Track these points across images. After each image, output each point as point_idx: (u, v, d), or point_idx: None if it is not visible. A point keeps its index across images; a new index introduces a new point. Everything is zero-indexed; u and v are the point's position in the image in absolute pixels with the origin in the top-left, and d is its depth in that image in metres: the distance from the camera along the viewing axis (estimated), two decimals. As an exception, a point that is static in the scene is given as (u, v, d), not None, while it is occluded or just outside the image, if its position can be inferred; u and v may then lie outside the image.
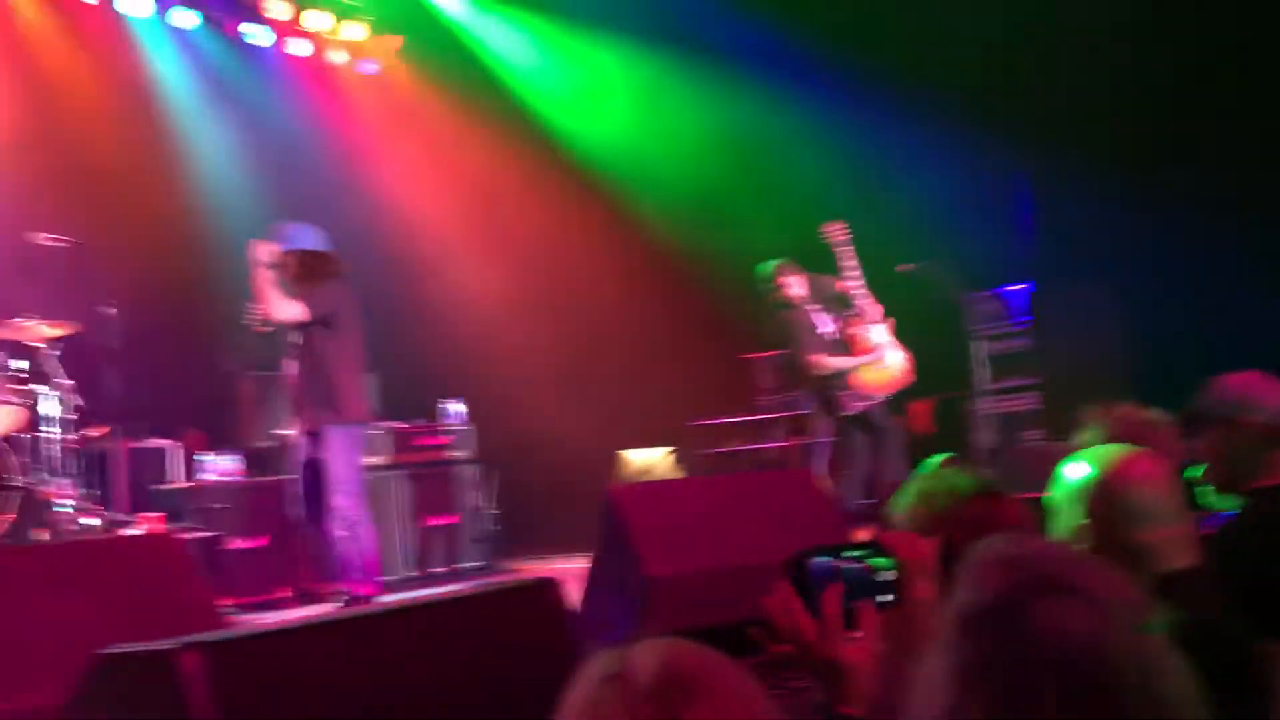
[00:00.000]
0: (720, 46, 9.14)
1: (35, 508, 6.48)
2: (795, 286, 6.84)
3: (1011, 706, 1.06)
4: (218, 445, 7.42)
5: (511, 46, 10.09)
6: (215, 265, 6.39)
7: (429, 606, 2.38)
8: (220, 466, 7.15)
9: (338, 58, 9.84)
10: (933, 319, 7.82)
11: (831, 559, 1.66)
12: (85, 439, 6.99)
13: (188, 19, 9.04)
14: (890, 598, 1.67)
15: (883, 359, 6.81)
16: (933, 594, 1.68)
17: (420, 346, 9.44)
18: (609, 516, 4.43)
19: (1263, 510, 2.68)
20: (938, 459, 4.88)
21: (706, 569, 4.26)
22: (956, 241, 8.14)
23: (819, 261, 7.10)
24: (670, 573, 4.19)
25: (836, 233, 6.96)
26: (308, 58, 9.65)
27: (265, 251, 5.74)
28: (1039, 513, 2.27)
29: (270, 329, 6.00)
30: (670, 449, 9.90)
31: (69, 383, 6.89)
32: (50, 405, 6.81)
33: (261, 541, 6.68)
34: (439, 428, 8.11)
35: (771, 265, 6.88)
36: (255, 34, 9.31)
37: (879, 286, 7.10)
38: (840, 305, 6.97)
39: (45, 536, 6.42)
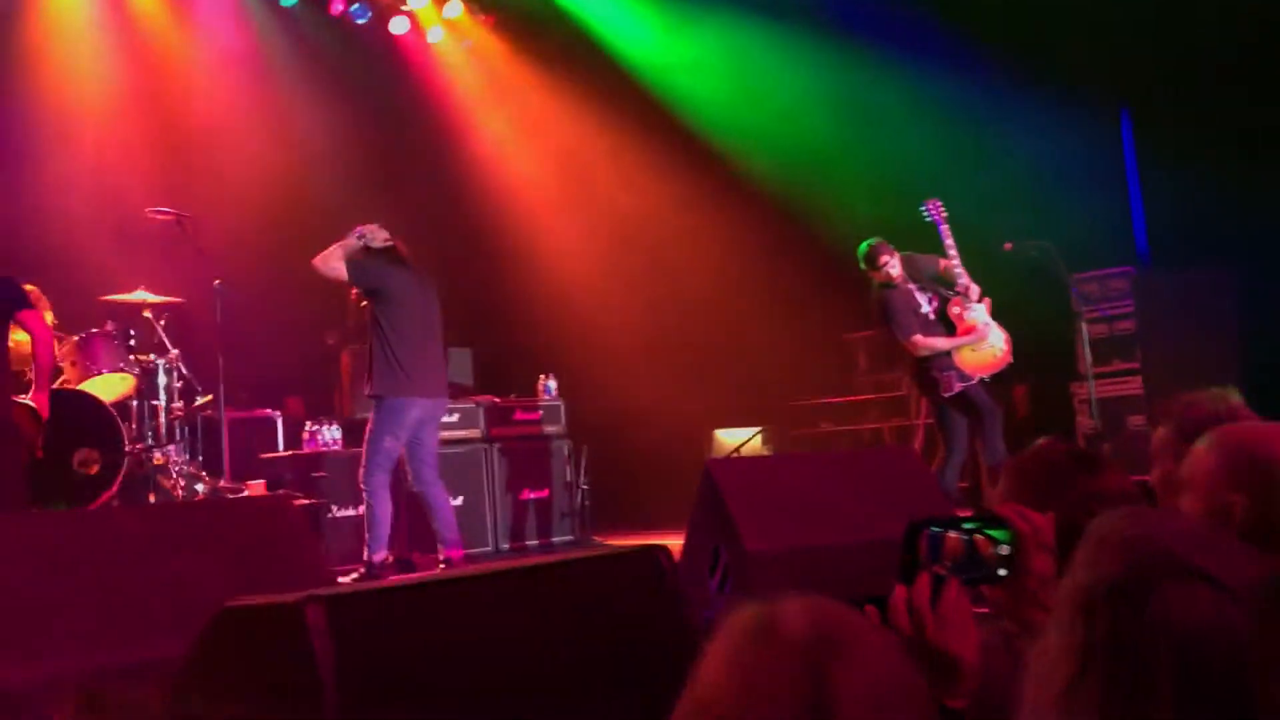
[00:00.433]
0: (819, 12, 8.98)
1: (145, 474, 6.69)
2: (894, 265, 6.71)
3: (1127, 693, 1.02)
4: (318, 415, 7.57)
5: (608, 16, 10.05)
6: (318, 238, 6.50)
7: (542, 568, 2.38)
8: (321, 436, 7.28)
9: (434, 34, 9.93)
10: (1033, 299, 7.64)
11: (946, 529, 1.61)
12: (191, 407, 7.19)
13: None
14: (1005, 572, 1.61)
15: (985, 339, 6.66)
16: (1050, 568, 1.61)
17: (517, 321, 9.52)
18: (707, 491, 4.40)
19: None
20: (1039, 440, 4.78)
21: (806, 545, 4.22)
22: (1060, 220, 7.92)
23: (919, 237, 6.97)
24: (769, 548, 4.15)
25: (936, 210, 6.82)
26: (404, 34, 9.76)
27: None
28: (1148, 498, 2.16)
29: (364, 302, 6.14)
30: (761, 429, 9.84)
31: (176, 352, 7.09)
32: (158, 375, 7.02)
33: (360, 510, 6.80)
34: (534, 403, 8.17)
35: (870, 244, 6.75)
36: (355, 12, 9.44)
37: (978, 265, 6.94)
38: (940, 284, 6.83)
39: (153, 501, 6.63)
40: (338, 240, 5.98)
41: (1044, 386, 8.48)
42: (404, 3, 9.59)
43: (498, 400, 8.01)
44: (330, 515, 6.87)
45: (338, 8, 9.33)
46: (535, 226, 9.91)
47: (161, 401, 7.02)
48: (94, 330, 6.80)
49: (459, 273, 9.13)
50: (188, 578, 2.89)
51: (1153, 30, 7.93)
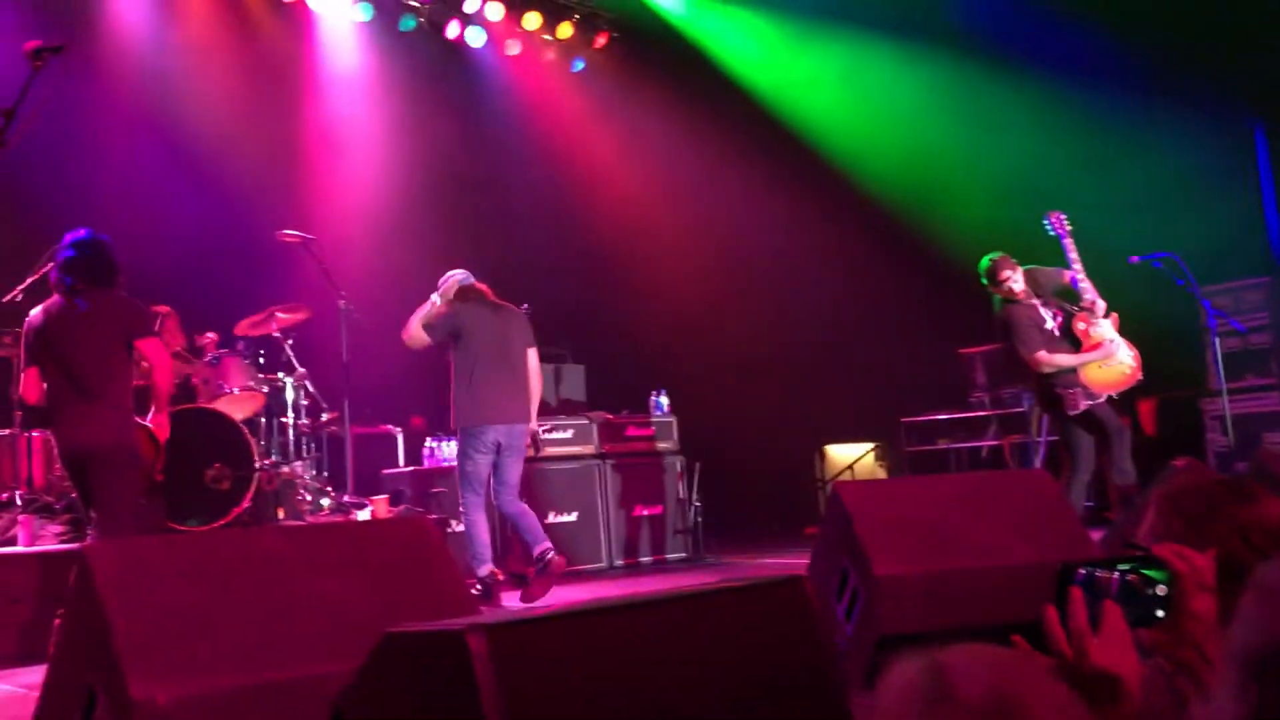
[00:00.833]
0: (938, 23, 8.85)
1: (274, 489, 6.88)
2: (1017, 280, 6.56)
3: None
4: (438, 431, 7.70)
5: (723, 33, 10.06)
6: (435, 258, 6.68)
7: (691, 597, 2.37)
8: (440, 452, 7.41)
9: (547, 55, 10.06)
10: (1162, 313, 7.41)
11: (1102, 570, 1.57)
12: (316, 424, 7.38)
13: (405, 22, 9.43)
14: (1163, 613, 1.56)
15: (1112, 355, 6.47)
16: (1212, 610, 1.56)
17: (629, 338, 9.55)
18: (834, 513, 4.34)
19: None
20: (1174, 461, 4.60)
21: (938, 570, 4.12)
22: (1188, 231, 7.67)
23: (1040, 249, 6.81)
24: (900, 573, 4.07)
25: (1059, 223, 6.65)
26: (518, 55, 9.90)
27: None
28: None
29: None
30: (874, 445, 9.70)
31: (302, 370, 7.29)
32: (286, 392, 7.23)
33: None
34: (646, 419, 8.20)
35: (991, 259, 6.61)
36: (470, 35, 9.62)
37: (1103, 278, 6.75)
38: (1065, 298, 6.65)
39: (281, 516, 6.82)
40: (417, 307, 6.38)
41: (1172, 403, 8.22)
42: (518, 26, 9.74)
43: (610, 416, 8.05)
44: (450, 530, 6.99)
45: (453, 32, 9.52)
46: (647, 243, 9.95)
47: (289, 419, 7.23)
48: (225, 350, 7.04)
49: (572, 290, 9.21)
50: (335, 597, 2.95)
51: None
